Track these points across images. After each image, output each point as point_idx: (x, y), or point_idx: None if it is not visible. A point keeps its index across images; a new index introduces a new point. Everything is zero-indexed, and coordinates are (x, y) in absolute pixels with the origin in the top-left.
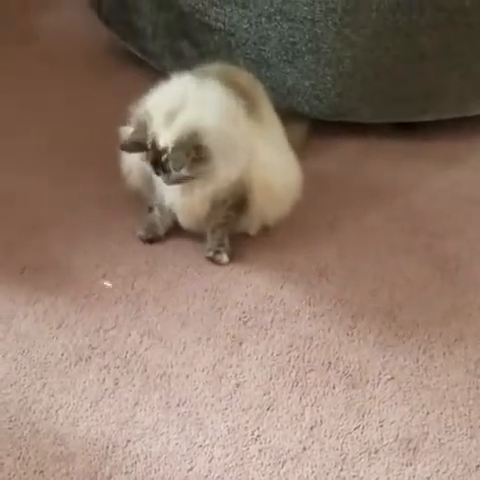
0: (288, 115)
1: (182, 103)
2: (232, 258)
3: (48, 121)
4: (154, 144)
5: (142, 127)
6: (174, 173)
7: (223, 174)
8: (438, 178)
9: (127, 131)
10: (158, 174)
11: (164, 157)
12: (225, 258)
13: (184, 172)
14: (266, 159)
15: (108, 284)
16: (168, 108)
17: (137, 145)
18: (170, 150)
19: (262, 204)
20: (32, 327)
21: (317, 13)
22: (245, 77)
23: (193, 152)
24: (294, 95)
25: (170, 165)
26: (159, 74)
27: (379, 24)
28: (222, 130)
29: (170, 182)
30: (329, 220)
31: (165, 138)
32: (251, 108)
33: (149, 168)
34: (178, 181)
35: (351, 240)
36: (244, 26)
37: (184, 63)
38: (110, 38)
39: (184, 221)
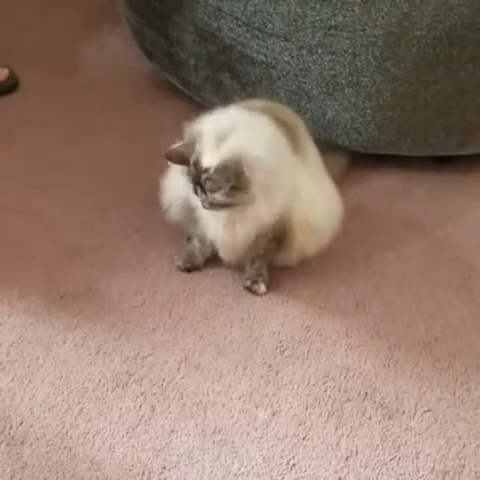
0: (327, 147)
1: (233, 127)
2: (269, 288)
3: (90, 149)
4: (197, 162)
5: (191, 142)
6: (210, 195)
7: (263, 211)
8: (475, 211)
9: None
10: (196, 193)
11: (204, 177)
12: (263, 288)
13: (219, 197)
14: (308, 196)
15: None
16: (219, 130)
17: (181, 157)
18: (212, 171)
19: (302, 239)
20: (71, 353)
21: (358, 46)
22: (287, 112)
23: (233, 179)
24: (334, 127)
25: (207, 186)
26: (199, 105)
27: (419, 58)
28: (267, 164)
29: (207, 204)
30: (367, 251)
31: (210, 159)
32: (295, 145)
33: (188, 185)
34: (215, 206)
35: (388, 272)
36: (285, 58)
37: (225, 95)
38: (152, 69)
39: (225, 256)
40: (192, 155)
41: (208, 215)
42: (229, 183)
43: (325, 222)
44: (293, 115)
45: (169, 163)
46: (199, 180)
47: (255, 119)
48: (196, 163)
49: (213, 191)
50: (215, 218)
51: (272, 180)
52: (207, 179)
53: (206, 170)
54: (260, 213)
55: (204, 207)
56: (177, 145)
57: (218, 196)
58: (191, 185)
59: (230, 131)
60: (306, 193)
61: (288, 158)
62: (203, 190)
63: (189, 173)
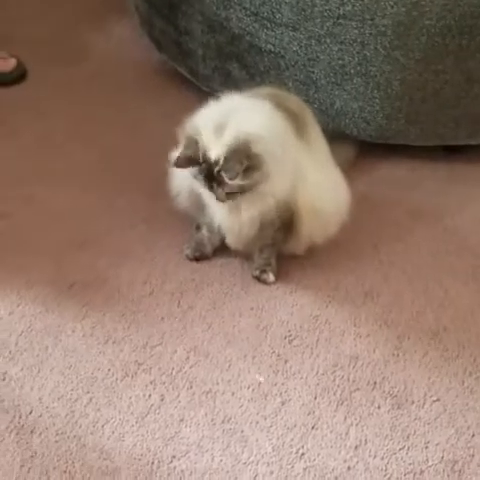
0: (336, 137)
1: (230, 115)
2: (278, 277)
3: (98, 140)
4: (206, 158)
5: (192, 142)
6: (229, 183)
7: (276, 183)
8: None
9: (177, 152)
10: (212, 188)
11: (217, 169)
12: (271, 277)
13: (238, 181)
14: (314, 182)
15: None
16: (216, 121)
17: (189, 160)
18: (222, 161)
19: (309, 226)
20: (80, 342)
21: (367, 36)
22: (294, 101)
23: (245, 161)
24: (342, 117)
25: (224, 175)
26: (207, 95)
27: (429, 47)
28: (270, 137)
29: (223, 197)
30: (375, 241)
31: (216, 150)
32: (300, 131)
33: (202, 184)
34: (231, 195)
35: (397, 261)
36: (294, 48)
37: (233, 84)
38: (159, 59)
39: (232, 242)
40: (199, 153)
41: (214, 201)
42: (243, 165)
43: (331, 208)
44: (300, 103)
45: (179, 169)
46: (212, 174)
47: (248, 102)
48: (205, 159)
49: (231, 178)
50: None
51: (278, 151)
52: (220, 171)
53: (216, 162)
54: (273, 185)
55: (220, 201)
56: (180, 151)
57: (236, 181)
58: (205, 183)
59: (227, 119)
60: (312, 179)
61: (288, 139)
62: (219, 183)
63: (201, 171)
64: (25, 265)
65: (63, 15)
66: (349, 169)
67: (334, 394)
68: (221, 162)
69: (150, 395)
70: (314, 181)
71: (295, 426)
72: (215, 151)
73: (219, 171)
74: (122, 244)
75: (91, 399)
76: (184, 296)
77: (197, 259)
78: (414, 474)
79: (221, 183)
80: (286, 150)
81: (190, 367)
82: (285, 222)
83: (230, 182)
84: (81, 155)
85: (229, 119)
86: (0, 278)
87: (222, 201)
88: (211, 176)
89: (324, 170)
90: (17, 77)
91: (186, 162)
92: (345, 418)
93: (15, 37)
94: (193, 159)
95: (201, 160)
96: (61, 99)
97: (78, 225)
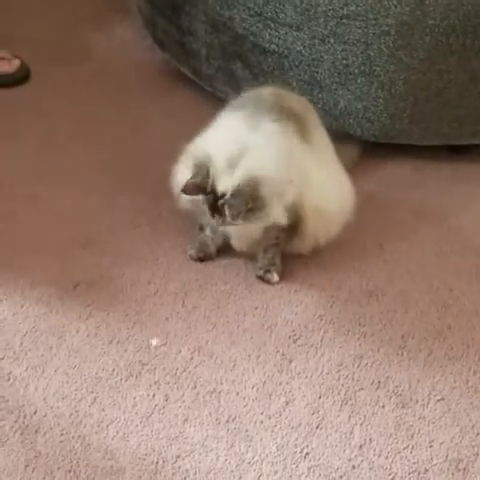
0: (340, 137)
1: (243, 149)
2: (282, 277)
3: (100, 139)
4: (214, 188)
5: (203, 170)
6: (229, 219)
7: (274, 213)
8: None
9: (181, 171)
10: (213, 217)
11: (221, 202)
12: (275, 277)
13: (239, 221)
14: (319, 183)
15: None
16: (230, 154)
17: (197, 188)
18: (229, 196)
19: (314, 226)
20: (84, 342)
21: (370, 36)
22: (297, 100)
23: (251, 202)
24: (346, 117)
25: (227, 211)
26: (210, 95)
27: (432, 47)
28: (278, 177)
29: (223, 225)
30: (379, 240)
31: (225, 183)
32: (304, 132)
33: (205, 211)
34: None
35: (401, 261)
36: (298, 48)
37: (237, 84)
38: (162, 59)
39: (237, 244)
40: (208, 182)
41: None
42: (247, 206)
43: (336, 208)
44: (304, 102)
45: (184, 196)
46: (216, 205)
47: (260, 131)
48: (212, 189)
49: (233, 217)
50: None
51: (283, 188)
52: (224, 204)
53: (222, 195)
54: (273, 216)
55: (219, 226)
56: (190, 177)
57: (237, 221)
58: (208, 211)
59: (240, 152)
60: (317, 180)
61: (297, 150)
62: (220, 214)
63: (206, 201)
64: (28, 265)
65: (65, 15)
66: (353, 169)
67: (338, 393)
68: (227, 197)
69: (154, 395)
70: (318, 181)
71: (299, 425)
72: (223, 184)
73: (223, 205)
74: (126, 244)
75: (95, 399)
76: (188, 296)
77: (201, 259)
78: (418, 473)
79: (223, 215)
80: (291, 175)
81: (194, 367)
82: (292, 224)
83: (229, 219)
84: (83, 155)
85: (243, 155)
86: (4, 278)
87: (220, 226)
88: (215, 207)
89: (328, 170)
90: (20, 78)
91: (194, 190)
92: (349, 417)
93: (16, 37)
94: (201, 187)
95: (208, 190)
96: (63, 99)
97: (81, 225)
